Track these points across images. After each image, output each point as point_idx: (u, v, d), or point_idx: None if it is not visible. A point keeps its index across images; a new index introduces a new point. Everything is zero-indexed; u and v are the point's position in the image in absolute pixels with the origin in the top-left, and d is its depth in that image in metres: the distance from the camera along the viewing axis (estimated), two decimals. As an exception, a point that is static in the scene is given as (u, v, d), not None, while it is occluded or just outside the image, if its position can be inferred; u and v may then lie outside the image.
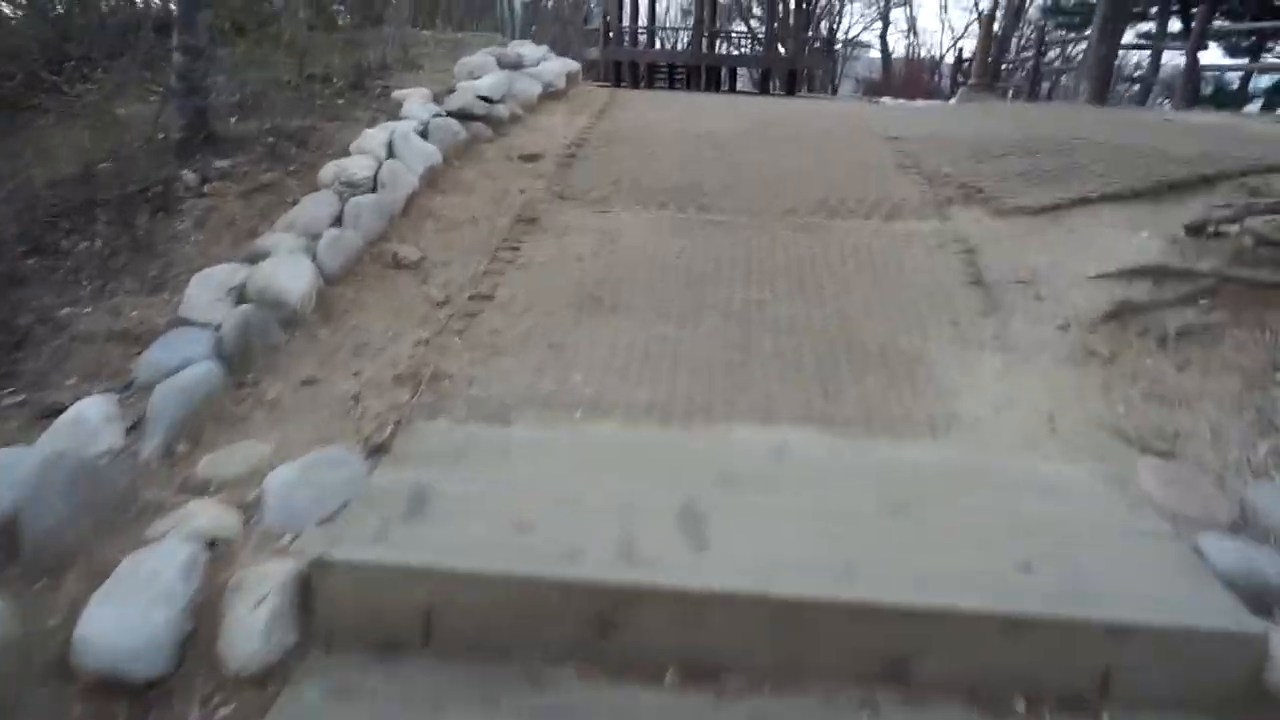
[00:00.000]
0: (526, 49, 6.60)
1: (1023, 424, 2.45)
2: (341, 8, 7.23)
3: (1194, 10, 17.74)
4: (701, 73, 16.08)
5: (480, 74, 5.43)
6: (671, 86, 16.01)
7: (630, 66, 15.70)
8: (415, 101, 4.65)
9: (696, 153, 5.05)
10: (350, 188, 3.58)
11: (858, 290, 3.28)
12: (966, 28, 30.20)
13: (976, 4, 27.84)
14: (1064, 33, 19.71)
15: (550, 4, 18.09)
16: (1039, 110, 9.17)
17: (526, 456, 2.17)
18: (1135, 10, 15.45)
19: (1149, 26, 18.54)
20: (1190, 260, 3.33)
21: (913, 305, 3.19)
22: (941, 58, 24.93)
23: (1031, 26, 22.03)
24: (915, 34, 31.74)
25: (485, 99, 5.02)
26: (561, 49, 9.97)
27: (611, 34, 15.73)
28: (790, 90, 15.35)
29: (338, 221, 3.39)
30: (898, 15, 35.49)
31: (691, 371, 2.70)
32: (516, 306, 3.11)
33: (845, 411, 2.50)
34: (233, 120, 4.25)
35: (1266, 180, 4.12)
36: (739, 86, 17.28)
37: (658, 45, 17.46)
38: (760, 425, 2.42)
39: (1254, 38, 16.91)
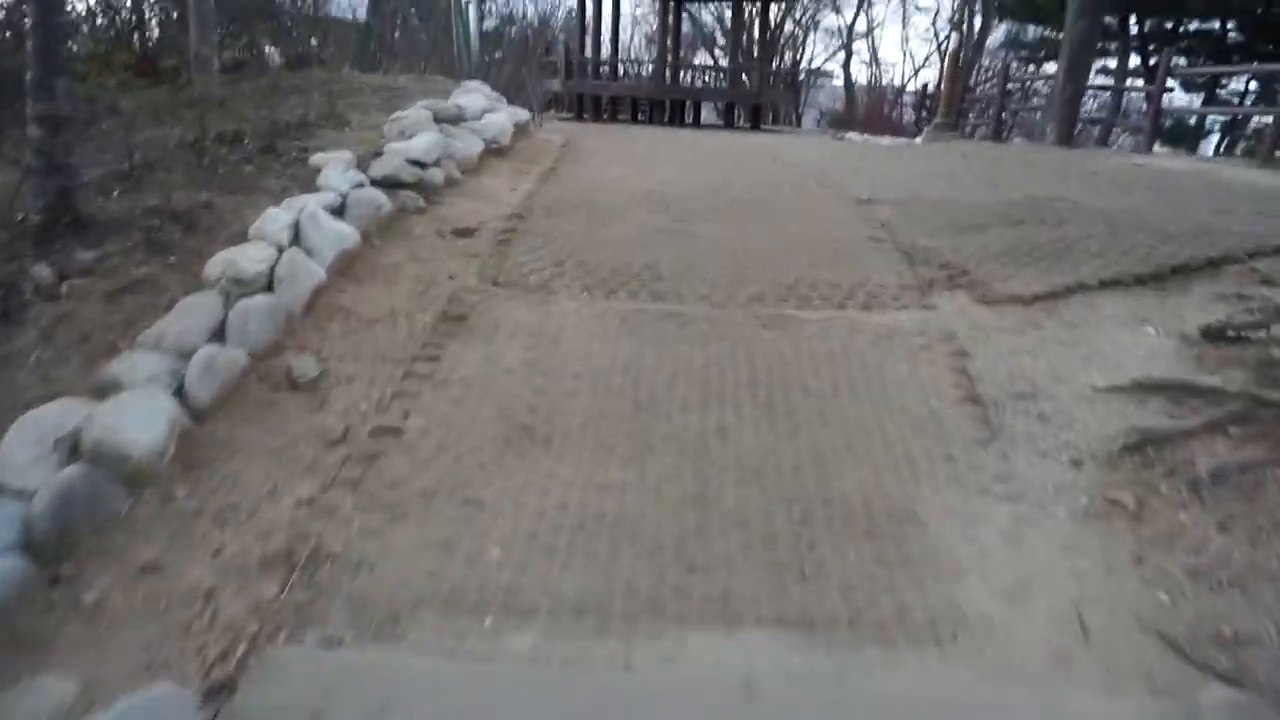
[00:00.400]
0: (469, 99, 6.11)
1: (1046, 625, 1.97)
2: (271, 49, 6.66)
3: (1152, 48, 17.98)
4: (666, 105, 15.76)
5: (414, 132, 4.90)
6: (635, 118, 15.66)
7: (593, 100, 15.33)
8: (334, 169, 4.10)
9: (653, 222, 4.57)
10: (240, 286, 3.02)
11: (835, 414, 2.80)
12: (927, 58, 30.49)
13: (936, 35, 28.12)
14: (1022, 66, 19.81)
15: (513, 32, 17.56)
16: (1009, 155, 8.89)
17: (410, 712, 1.63)
18: (1098, 47, 15.50)
19: (1108, 62, 18.75)
20: (1211, 372, 2.91)
21: (899, 433, 2.72)
22: (903, 88, 24.95)
23: (991, 58, 22.17)
24: (878, 64, 31.87)
25: (417, 163, 4.50)
26: (518, 86, 9.52)
27: (574, 64, 15.36)
28: (755, 123, 15.09)
29: (219, 333, 2.83)
30: (860, 45, 35.65)
31: (636, 545, 2.18)
32: (428, 444, 2.57)
33: (826, 606, 2.00)
34: (114, 194, 3.68)
35: (1277, 265, 3.75)
36: (704, 117, 17.00)
37: (621, 73, 17.09)
38: (721, 633, 1.91)
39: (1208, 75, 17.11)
